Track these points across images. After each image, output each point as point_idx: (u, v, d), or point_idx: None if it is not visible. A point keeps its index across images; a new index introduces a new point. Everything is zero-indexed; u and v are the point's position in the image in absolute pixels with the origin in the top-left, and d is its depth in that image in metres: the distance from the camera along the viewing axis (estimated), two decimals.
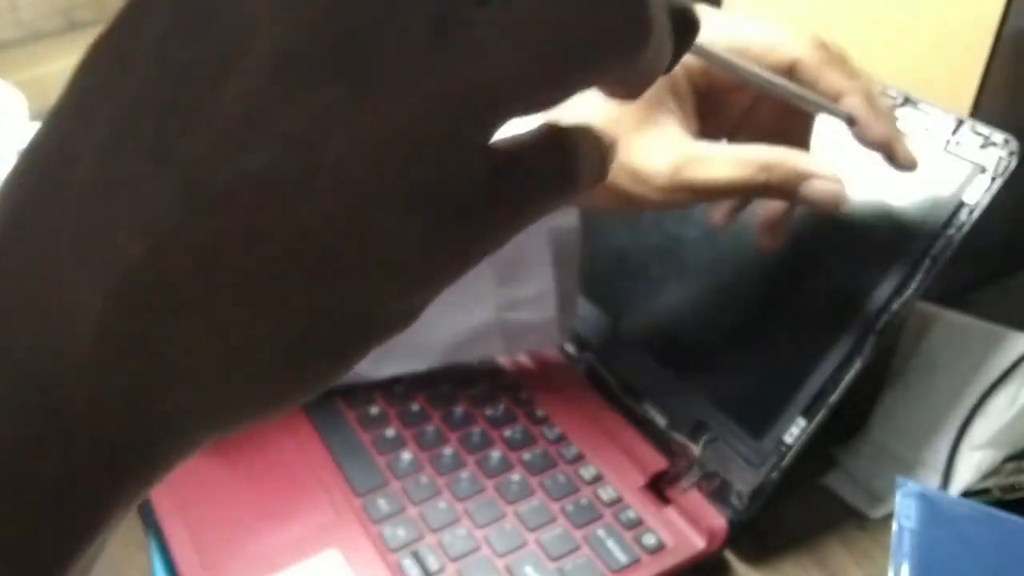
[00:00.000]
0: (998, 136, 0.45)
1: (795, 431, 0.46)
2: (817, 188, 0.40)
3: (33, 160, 0.18)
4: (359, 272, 0.18)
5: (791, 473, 0.46)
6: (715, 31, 0.41)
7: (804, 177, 0.40)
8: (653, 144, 0.41)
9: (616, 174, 0.41)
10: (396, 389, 0.56)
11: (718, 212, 0.49)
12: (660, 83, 0.25)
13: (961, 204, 0.45)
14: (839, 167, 0.41)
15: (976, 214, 0.44)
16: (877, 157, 0.42)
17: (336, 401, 0.55)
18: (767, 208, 0.47)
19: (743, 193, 0.43)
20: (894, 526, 0.39)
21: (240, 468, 0.51)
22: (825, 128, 0.45)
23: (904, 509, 0.40)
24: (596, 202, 0.44)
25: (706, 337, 0.51)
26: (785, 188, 0.40)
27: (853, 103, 0.41)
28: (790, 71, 0.41)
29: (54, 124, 0.18)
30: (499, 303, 0.52)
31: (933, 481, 0.48)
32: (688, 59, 0.35)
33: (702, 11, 0.40)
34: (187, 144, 0.17)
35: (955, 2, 0.50)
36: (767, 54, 0.41)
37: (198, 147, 0.17)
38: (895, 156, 0.41)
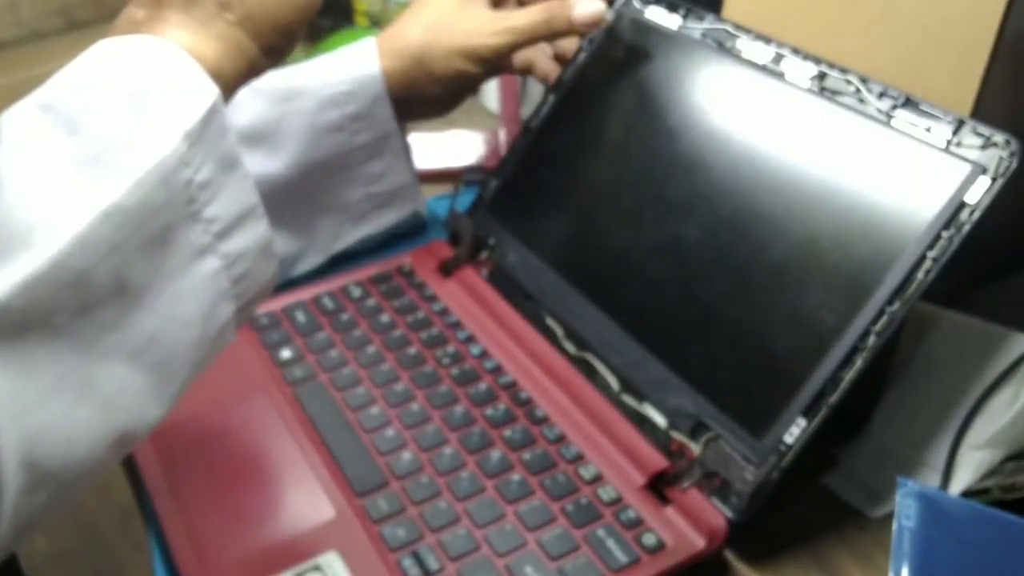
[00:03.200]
0: (999, 137, 0.45)
1: (795, 431, 0.46)
2: (581, 11, 0.61)
3: None
4: None
5: (791, 473, 0.46)
6: None
7: (570, 8, 0.61)
8: (474, 14, 0.64)
9: (456, 37, 0.63)
10: (397, 387, 0.56)
11: (539, 73, 0.70)
12: None
13: (962, 204, 0.45)
14: None
15: (977, 215, 0.44)
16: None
17: (336, 401, 0.55)
18: (558, 46, 0.70)
19: (541, 32, 0.62)
20: (894, 526, 0.39)
21: (240, 469, 0.51)
22: None
23: (904, 509, 0.40)
24: (454, 64, 0.63)
25: (707, 336, 0.51)
26: (562, 19, 0.61)
27: None
28: None
29: None
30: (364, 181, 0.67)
31: (933, 481, 0.48)
32: None
33: None
34: None
35: (955, 2, 0.50)
36: None
37: None
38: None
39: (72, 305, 0.34)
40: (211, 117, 0.38)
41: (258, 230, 0.41)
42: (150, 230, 0.36)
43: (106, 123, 0.36)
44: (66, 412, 0.34)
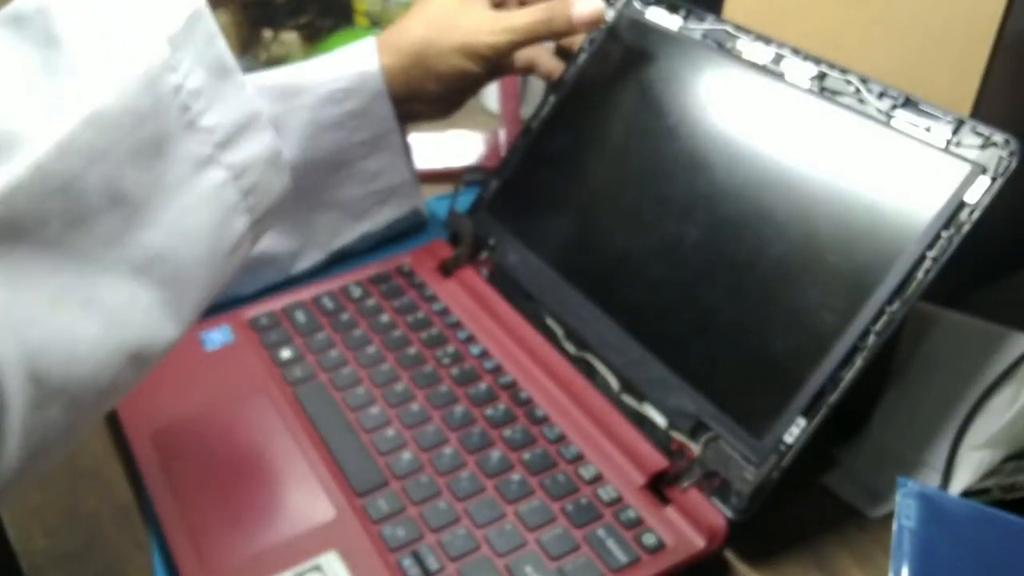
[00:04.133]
0: (998, 136, 0.45)
1: (795, 431, 0.46)
2: (581, 11, 0.61)
3: None
4: None
5: (791, 473, 0.46)
6: None
7: (570, 7, 0.61)
8: (475, 13, 0.64)
9: (456, 35, 0.63)
10: (397, 387, 0.56)
11: (542, 71, 0.69)
12: None
13: (961, 204, 0.45)
14: None
15: (976, 214, 0.44)
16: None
17: (336, 401, 0.55)
18: (562, 41, 0.70)
19: (541, 31, 0.62)
20: (894, 526, 0.39)
21: (240, 469, 0.51)
22: None
23: (904, 509, 0.40)
24: (453, 62, 0.64)
25: (707, 336, 0.51)
26: (562, 18, 0.62)
27: None
28: None
29: None
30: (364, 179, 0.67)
31: (933, 481, 0.48)
32: None
33: None
34: None
35: (955, 2, 0.50)
36: None
37: None
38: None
39: (64, 215, 0.34)
40: (195, 21, 0.38)
41: (263, 140, 0.41)
42: (140, 138, 0.36)
43: (87, 30, 0.36)
44: (70, 326, 0.34)
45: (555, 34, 0.63)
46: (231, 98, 0.39)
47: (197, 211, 0.38)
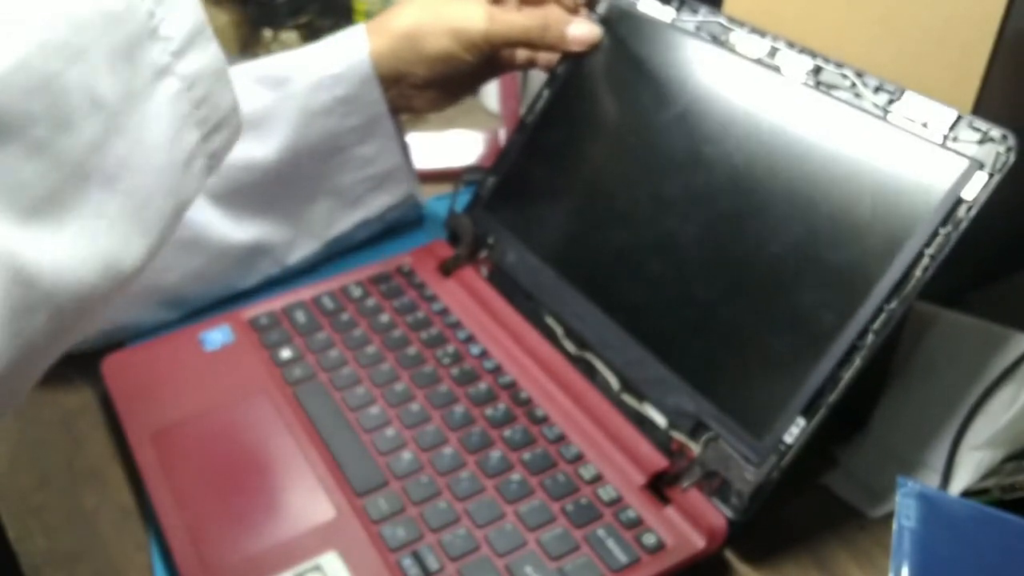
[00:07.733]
0: (996, 132, 0.45)
1: (795, 431, 0.46)
2: (576, 29, 0.64)
3: None
4: None
5: (791, 473, 0.46)
6: None
7: (568, 23, 0.64)
8: (471, 3, 0.65)
9: (448, 19, 0.64)
10: (397, 387, 0.56)
11: (542, 61, 0.69)
12: None
13: (959, 201, 0.44)
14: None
15: (974, 211, 0.44)
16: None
17: (336, 401, 0.55)
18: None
19: (534, 37, 0.64)
20: (894, 526, 0.39)
21: (240, 469, 0.51)
22: None
23: (904, 509, 0.40)
24: (443, 43, 0.64)
25: (706, 336, 0.51)
26: (556, 32, 0.64)
27: None
28: None
29: None
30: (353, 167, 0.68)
31: (933, 481, 0.48)
32: None
33: None
34: None
35: (955, 2, 0.50)
36: None
37: None
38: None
39: (49, 115, 0.33)
40: None
41: (211, 51, 0.41)
42: (114, 42, 0.36)
43: None
44: (52, 234, 0.34)
45: (546, 44, 0.64)
46: (183, 6, 0.39)
47: (156, 120, 0.38)
